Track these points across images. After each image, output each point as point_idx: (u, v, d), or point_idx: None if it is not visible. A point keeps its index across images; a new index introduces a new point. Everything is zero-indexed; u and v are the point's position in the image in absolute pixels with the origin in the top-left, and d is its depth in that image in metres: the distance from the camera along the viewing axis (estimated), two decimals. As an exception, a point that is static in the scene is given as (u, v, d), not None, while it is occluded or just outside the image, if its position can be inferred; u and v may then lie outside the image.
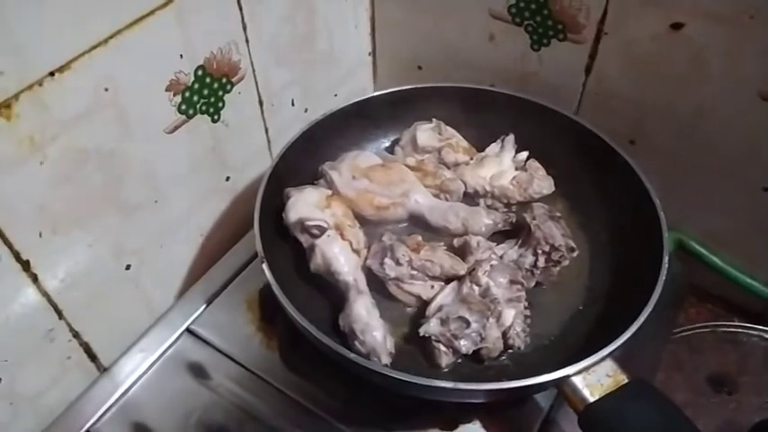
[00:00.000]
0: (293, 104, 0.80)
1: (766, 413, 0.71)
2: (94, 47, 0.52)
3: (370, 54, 0.92)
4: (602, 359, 0.49)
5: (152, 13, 0.55)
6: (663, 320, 0.72)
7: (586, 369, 0.48)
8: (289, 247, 0.65)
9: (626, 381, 0.48)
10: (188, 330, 0.65)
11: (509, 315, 0.55)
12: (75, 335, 0.62)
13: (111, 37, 0.53)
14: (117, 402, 0.61)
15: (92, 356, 0.64)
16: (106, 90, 0.54)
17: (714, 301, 0.85)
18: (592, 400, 0.47)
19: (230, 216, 0.76)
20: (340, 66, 0.86)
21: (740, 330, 0.79)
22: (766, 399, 0.74)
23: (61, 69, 0.50)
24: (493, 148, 0.73)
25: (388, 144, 0.78)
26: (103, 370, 0.66)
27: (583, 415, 0.48)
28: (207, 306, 0.67)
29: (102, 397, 0.62)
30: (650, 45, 0.68)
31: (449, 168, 0.72)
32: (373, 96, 0.74)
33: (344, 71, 0.88)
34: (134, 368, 0.64)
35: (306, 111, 0.83)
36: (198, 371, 0.62)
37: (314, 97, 0.83)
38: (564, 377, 0.48)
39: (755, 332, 0.79)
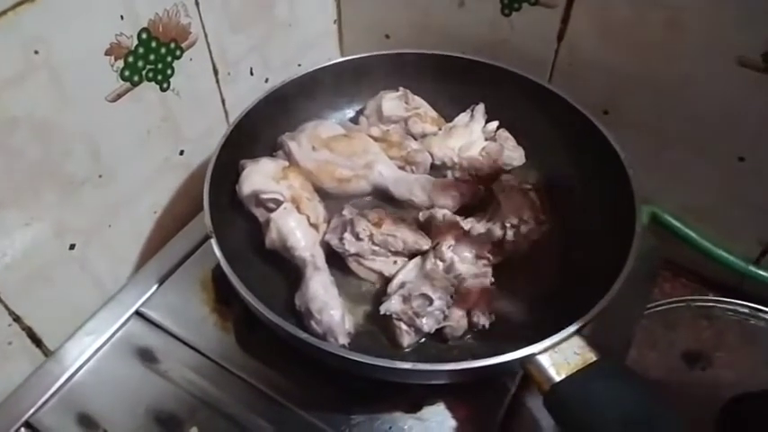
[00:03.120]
0: (252, 74, 0.76)
1: (741, 388, 0.69)
2: (19, 3, 0.47)
3: (335, 22, 0.88)
4: (570, 336, 0.46)
5: (86, -33, 0.51)
6: (636, 295, 0.70)
7: (553, 347, 0.46)
8: (244, 223, 0.62)
9: (594, 359, 0.45)
10: (137, 313, 0.61)
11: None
12: (16, 318, 0.58)
13: (38, -6, 0.48)
14: (60, 390, 0.57)
15: (36, 341, 0.61)
16: (36, 53, 0.50)
17: (688, 275, 0.84)
18: (558, 379, 0.45)
19: (185, 192, 0.73)
20: (303, 34, 0.82)
21: (715, 305, 0.78)
22: (741, 374, 0.73)
23: (-19, 28, 0.45)
24: (462, 118, 0.70)
25: (352, 114, 0.75)
26: (49, 353, 0.62)
27: (548, 395, 0.45)
28: (158, 287, 0.64)
29: (44, 384, 0.58)
30: (625, 9, 0.65)
31: (416, 139, 0.69)
32: (337, 63, 0.70)
33: (308, 40, 0.84)
34: (79, 353, 0.60)
35: (266, 81, 0.79)
36: (147, 355, 0.59)
37: (275, 67, 0.79)
38: (529, 356, 0.45)
39: (730, 306, 0.77)
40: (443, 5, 0.76)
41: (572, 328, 0.46)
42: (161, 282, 0.64)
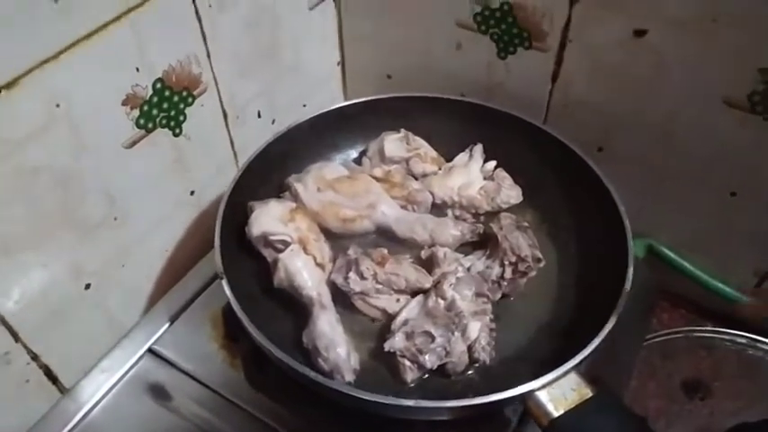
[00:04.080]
0: (260, 116, 0.79)
1: (740, 418, 0.70)
2: (44, 62, 0.50)
3: (338, 64, 0.91)
4: (566, 372, 0.48)
5: (105, 26, 0.54)
6: (634, 328, 0.72)
7: (550, 383, 0.47)
8: (253, 263, 0.64)
9: (590, 395, 0.47)
10: (150, 350, 0.63)
11: (474, 328, 0.54)
12: (34, 357, 0.60)
13: (61, 52, 0.51)
14: (75, 428, 0.59)
15: (52, 378, 0.62)
16: (58, 106, 0.53)
17: (687, 305, 0.85)
18: (556, 414, 0.46)
19: (196, 231, 0.75)
20: (308, 77, 0.85)
21: (713, 335, 0.79)
22: (740, 404, 0.74)
23: (8, 86, 0.48)
24: (461, 157, 0.73)
25: (355, 155, 0.77)
26: (65, 391, 0.64)
27: (547, 430, 0.47)
28: (170, 325, 0.66)
29: (60, 421, 0.60)
30: (615, 52, 0.68)
31: (417, 179, 0.71)
32: (340, 107, 0.73)
33: (313, 82, 0.87)
34: (95, 390, 0.62)
35: (273, 122, 0.81)
36: (160, 392, 0.60)
37: (281, 108, 0.82)
38: (528, 392, 0.47)
39: (728, 336, 0.79)
40: (442, 48, 0.79)
41: (569, 365, 0.48)
42: (172, 320, 0.66)
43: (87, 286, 0.63)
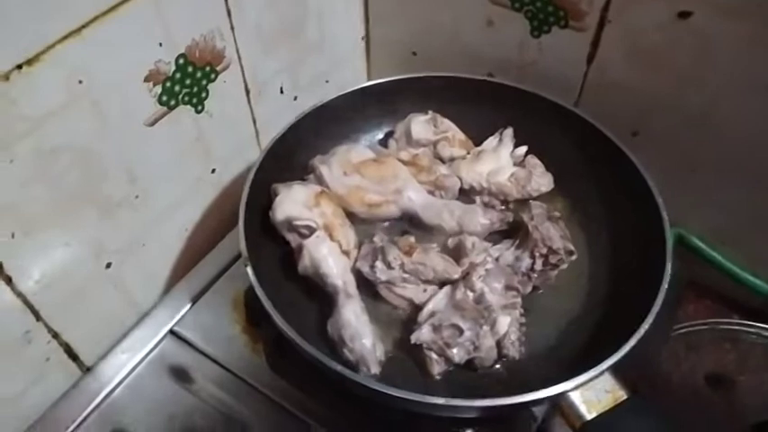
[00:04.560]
0: (282, 92, 0.77)
1: (765, 414, 0.69)
2: (66, 37, 0.49)
3: (363, 39, 0.88)
4: (601, 374, 0.47)
5: (127, 0, 0.52)
6: (662, 320, 0.71)
7: (584, 384, 0.46)
8: (276, 246, 0.62)
9: (624, 397, 0.46)
10: (171, 331, 0.63)
11: (504, 323, 0.53)
12: (55, 335, 0.60)
13: (84, 26, 0.50)
14: (99, 406, 0.59)
15: (73, 356, 0.62)
16: (80, 83, 0.51)
17: (713, 296, 0.83)
18: (589, 417, 0.45)
19: (217, 209, 0.74)
20: (332, 51, 0.82)
21: (739, 328, 0.78)
22: (766, 399, 0.72)
23: (29, 62, 0.47)
24: (490, 141, 0.70)
25: (381, 136, 0.75)
26: (86, 369, 0.64)
27: (579, 432, 0.46)
28: (191, 306, 0.65)
29: (83, 400, 0.60)
30: (656, 34, 0.65)
31: (444, 163, 0.69)
32: (366, 86, 0.71)
33: (336, 57, 0.84)
34: (117, 370, 0.62)
35: (295, 99, 0.79)
36: (181, 374, 0.60)
37: (304, 84, 0.80)
38: (561, 393, 0.46)
39: (754, 329, 0.77)
40: (472, 25, 0.76)
41: (603, 366, 0.47)
42: (194, 301, 0.66)
43: (108, 265, 0.62)
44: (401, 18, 0.82)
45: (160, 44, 0.57)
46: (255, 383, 0.59)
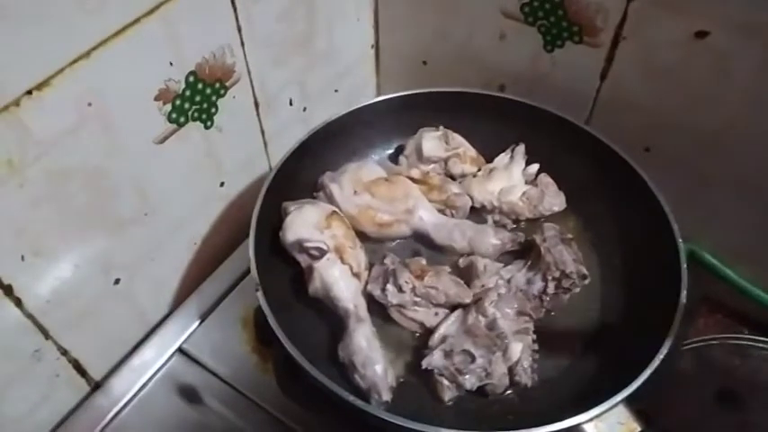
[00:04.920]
0: (291, 104, 0.76)
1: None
2: (75, 60, 0.48)
3: (372, 47, 0.87)
4: (614, 406, 0.46)
5: (137, 21, 0.51)
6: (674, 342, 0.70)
7: (598, 416, 0.46)
8: (286, 264, 0.62)
9: (638, 429, 0.45)
10: (180, 350, 0.62)
11: (516, 349, 0.53)
12: (64, 353, 0.60)
13: (93, 49, 0.49)
14: (108, 425, 0.59)
15: (81, 372, 0.62)
16: (90, 105, 0.51)
17: (724, 311, 0.82)
18: (603, 450, 0.45)
19: (225, 222, 0.73)
20: (340, 60, 0.81)
21: (750, 344, 0.77)
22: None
23: (39, 87, 0.46)
24: (502, 158, 0.70)
25: (392, 151, 0.74)
26: (94, 384, 0.64)
27: (594, 466, 0.45)
28: (200, 323, 0.65)
29: (92, 417, 0.60)
30: (671, 52, 0.64)
31: (455, 179, 0.68)
32: (376, 102, 0.70)
33: (345, 66, 0.83)
34: (126, 388, 0.61)
35: (305, 110, 0.79)
36: (190, 393, 0.60)
37: (313, 95, 0.79)
38: (575, 425, 0.46)
39: (766, 345, 0.76)
40: (484, 37, 0.75)
41: (618, 398, 0.46)
42: (203, 318, 0.65)
43: (117, 281, 0.62)
44: (412, 27, 0.81)
45: (171, 63, 0.56)
46: (265, 405, 0.58)
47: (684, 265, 0.56)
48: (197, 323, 0.65)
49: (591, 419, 0.46)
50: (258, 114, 0.71)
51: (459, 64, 0.80)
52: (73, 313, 0.58)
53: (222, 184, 0.71)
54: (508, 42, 0.74)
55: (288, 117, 0.76)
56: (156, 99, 0.57)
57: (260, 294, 0.52)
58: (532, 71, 0.74)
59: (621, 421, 0.46)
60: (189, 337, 0.64)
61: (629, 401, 0.47)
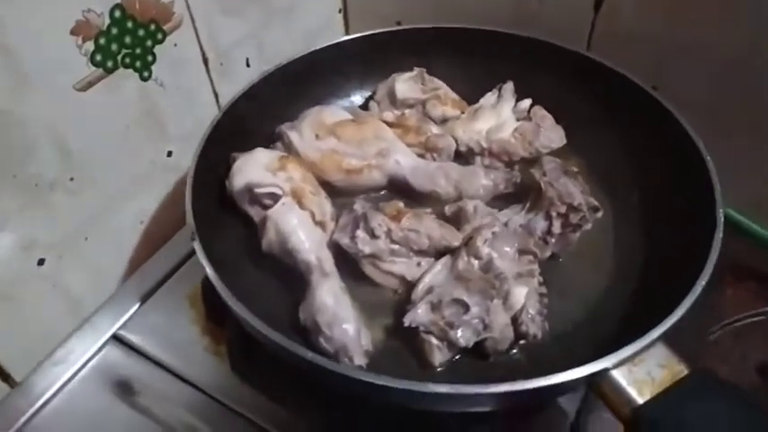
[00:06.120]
0: (248, 65, 0.69)
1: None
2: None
3: (340, 11, 0.80)
4: (651, 344, 0.36)
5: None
6: (702, 303, 0.61)
7: (631, 359, 0.35)
8: (237, 227, 0.54)
9: (686, 372, 0.35)
10: (115, 336, 0.54)
11: (520, 294, 0.43)
12: (-25, 350, 0.50)
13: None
14: (25, 426, 0.50)
15: (3, 375, 0.53)
16: (-8, 32, 0.43)
17: (755, 278, 0.73)
18: (641, 401, 0.34)
19: (175, 199, 0.65)
20: (305, 23, 0.75)
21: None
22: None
23: None
24: (488, 98, 0.62)
25: (361, 101, 0.67)
26: (15, 385, 0.54)
27: (630, 422, 0.35)
28: (140, 306, 0.57)
29: (7, 419, 0.51)
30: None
31: (436, 124, 0.60)
32: (342, 41, 0.63)
33: (310, 30, 0.77)
34: (48, 385, 0.53)
35: (265, 74, 0.71)
36: (126, 387, 0.51)
37: (273, 57, 0.71)
38: (600, 371, 0.35)
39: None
40: (463, -17, 0.68)
41: (654, 334, 0.36)
42: (143, 300, 0.57)
43: (41, 262, 0.54)
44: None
45: (89, -10, 0.49)
46: (216, 394, 0.49)
47: (719, 198, 0.48)
48: (136, 306, 0.57)
49: (621, 363, 0.35)
50: (208, 71, 0.64)
51: (436, 17, 0.72)
52: (-15, 299, 0.49)
53: (170, 154, 0.63)
54: (489, -13, 0.67)
55: (245, 80, 0.68)
56: (74, 33, 0.50)
57: (197, 245, 0.43)
58: (518, 11, 0.68)
59: (662, 364, 0.35)
60: (126, 322, 0.55)
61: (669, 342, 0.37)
